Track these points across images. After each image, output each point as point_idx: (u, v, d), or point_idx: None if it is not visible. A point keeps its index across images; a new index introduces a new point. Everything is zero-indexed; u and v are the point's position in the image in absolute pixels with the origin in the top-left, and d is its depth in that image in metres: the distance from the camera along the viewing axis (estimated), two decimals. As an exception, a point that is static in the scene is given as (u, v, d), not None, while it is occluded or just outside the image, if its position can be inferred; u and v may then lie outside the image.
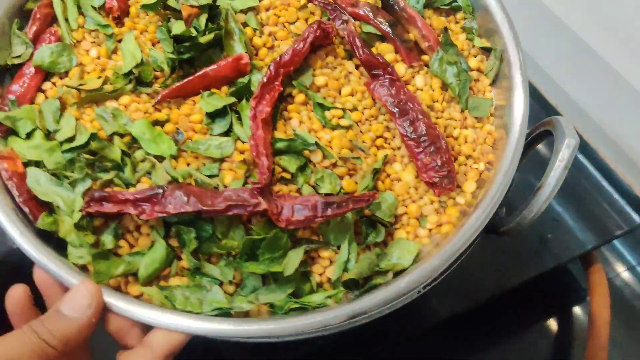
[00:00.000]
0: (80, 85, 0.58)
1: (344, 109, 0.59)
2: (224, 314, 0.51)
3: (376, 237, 0.54)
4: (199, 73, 0.58)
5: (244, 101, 0.58)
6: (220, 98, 0.58)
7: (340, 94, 0.60)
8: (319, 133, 0.57)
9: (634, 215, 0.81)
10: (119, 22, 0.63)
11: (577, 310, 0.82)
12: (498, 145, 0.59)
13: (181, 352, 0.69)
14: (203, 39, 0.59)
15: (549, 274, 0.79)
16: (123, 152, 0.55)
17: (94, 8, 0.63)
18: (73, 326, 0.46)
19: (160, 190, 0.50)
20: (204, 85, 0.59)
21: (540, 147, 0.72)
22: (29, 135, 0.57)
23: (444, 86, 0.61)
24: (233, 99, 0.58)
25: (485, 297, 0.75)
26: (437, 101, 0.60)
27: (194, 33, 0.58)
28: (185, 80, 0.58)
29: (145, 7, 0.61)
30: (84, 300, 0.48)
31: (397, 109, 0.57)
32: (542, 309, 0.82)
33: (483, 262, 0.75)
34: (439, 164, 0.56)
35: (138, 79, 0.59)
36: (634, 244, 0.87)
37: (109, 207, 0.50)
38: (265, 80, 0.56)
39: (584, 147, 0.90)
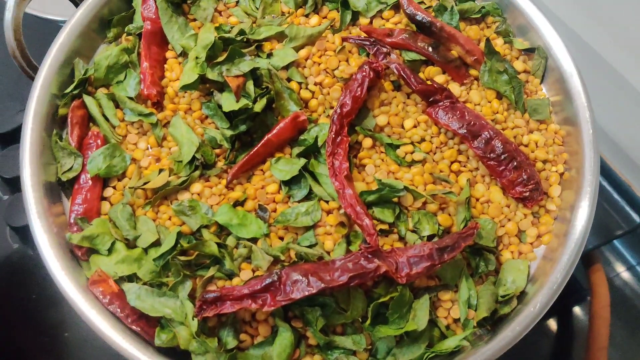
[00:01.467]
0: (145, 183, 0.56)
1: (412, 143, 0.58)
2: None
3: (486, 265, 0.54)
4: (262, 142, 0.57)
5: (313, 160, 0.57)
6: (290, 162, 0.56)
7: (404, 127, 0.59)
8: (398, 174, 0.56)
9: (634, 215, 0.79)
10: (158, 106, 0.60)
11: (577, 309, 0.81)
12: (568, 142, 0.60)
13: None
14: (258, 107, 0.57)
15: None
16: (218, 244, 0.53)
17: (131, 99, 0.60)
18: None
19: (276, 277, 0.49)
20: (268, 152, 0.57)
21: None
22: (110, 250, 0.54)
23: (499, 95, 0.61)
24: (304, 160, 0.56)
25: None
26: (497, 112, 0.60)
27: (250, 104, 0.56)
28: (250, 152, 0.56)
29: (186, 87, 0.58)
30: None
31: (468, 132, 0.56)
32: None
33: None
34: (526, 178, 0.56)
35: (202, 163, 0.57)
36: (634, 244, 0.85)
37: (227, 307, 0.48)
38: (333, 135, 0.55)
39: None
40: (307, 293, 0.48)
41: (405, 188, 0.54)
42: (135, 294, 0.51)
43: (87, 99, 0.60)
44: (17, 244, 0.80)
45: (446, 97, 0.58)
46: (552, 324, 0.80)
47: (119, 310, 0.51)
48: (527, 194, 0.56)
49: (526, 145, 0.60)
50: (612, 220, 0.78)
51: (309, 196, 0.56)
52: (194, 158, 0.57)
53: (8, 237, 0.81)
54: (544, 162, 0.59)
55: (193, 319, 0.50)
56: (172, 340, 0.51)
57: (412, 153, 0.57)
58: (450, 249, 0.50)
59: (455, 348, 0.51)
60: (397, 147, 0.57)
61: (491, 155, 0.56)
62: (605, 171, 0.85)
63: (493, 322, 0.53)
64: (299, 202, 0.55)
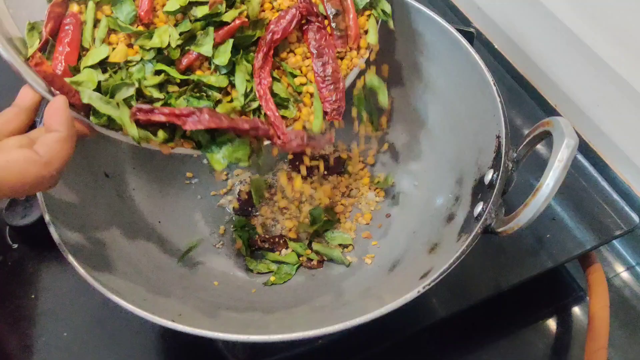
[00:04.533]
0: None
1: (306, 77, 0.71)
2: None
3: None
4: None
5: (242, 53, 0.69)
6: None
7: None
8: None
9: (633, 215, 0.80)
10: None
11: (576, 310, 0.81)
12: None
13: (181, 352, 0.76)
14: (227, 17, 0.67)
15: (548, 274, 0.79)
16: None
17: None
18: None
19: (197, 110, 0.63)
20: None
21: (540, 147, 0.77)
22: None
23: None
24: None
25: (484, 297, 0.75)
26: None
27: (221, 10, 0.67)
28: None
29: (168, 12, 0.67)
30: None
31: (316, 51, 0.71)
32: (540, 309, 0.81)
33: (482, 262, 0.77)
34: (333, 100, 0.70)
35: None
36: (634, 244, 0.86)
37: (157, 117, 0.62)
38: (262, 54, 0.70)
39: (583, 147, 0.90)
40: (218, 124, 0.62)
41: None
42: (88, 96, 0.62)
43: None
44: (17, 244, 0.83)
45: (318, 22, 0.71)
46: (551, 324, 0.81)
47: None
48: (329, 110, 0.71)
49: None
50: (612, 220, 0.80)
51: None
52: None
53: (8, 237, 0.83)
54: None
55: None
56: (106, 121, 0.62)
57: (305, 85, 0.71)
58: (315, 140, 0.68)
59: None
60: (295, 76, 0.72)
61: (321, 73, 0.71)
62: (605, 171, 0.88)
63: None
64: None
